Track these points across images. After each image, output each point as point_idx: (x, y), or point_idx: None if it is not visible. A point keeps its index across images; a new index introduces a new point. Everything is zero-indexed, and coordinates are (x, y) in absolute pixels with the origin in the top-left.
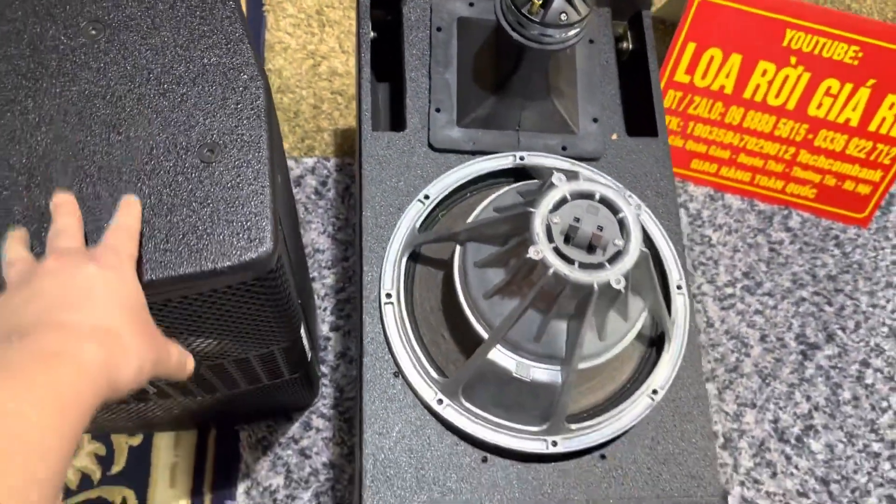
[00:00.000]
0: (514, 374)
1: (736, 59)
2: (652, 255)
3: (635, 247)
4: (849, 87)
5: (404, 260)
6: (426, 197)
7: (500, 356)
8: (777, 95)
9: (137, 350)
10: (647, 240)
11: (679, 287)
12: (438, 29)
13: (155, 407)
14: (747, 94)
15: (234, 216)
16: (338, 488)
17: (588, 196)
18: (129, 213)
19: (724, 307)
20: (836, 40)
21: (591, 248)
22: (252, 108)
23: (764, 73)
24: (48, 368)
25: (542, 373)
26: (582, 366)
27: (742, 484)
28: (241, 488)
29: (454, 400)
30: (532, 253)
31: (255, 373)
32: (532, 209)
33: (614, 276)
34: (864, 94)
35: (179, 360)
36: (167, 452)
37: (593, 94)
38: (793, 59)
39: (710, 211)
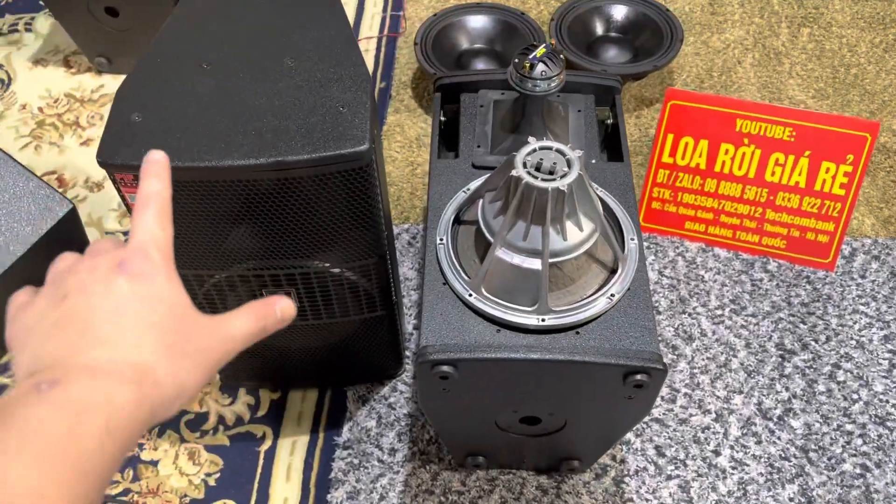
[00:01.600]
0: (512, 263)
1: (704, 144)
2: (612, 221)
3: (574, 171)
4: (791, 157)
5: (451, 221)
6: (467, 189)
7: (503, 253)
8: (739, 168)
9: (175, 379)
10: (609, 211)
11: (632, 238)
12: (481, 106)
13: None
14: (717, 168)
15: (346, 129)
16: (414, 430)
17: (548, 148)
18: (155, 177)
19: (714, 323)
20: (774, 124)
21: (550, 174)
22: (361, 87)
23: (726, 152)
24: (78, 430)
25: (530, 263)
26: (553, 259)
27: (731, 448)
28: (345, 427)
29: (478, 293)
30: (514, 173)
31: (350, 298)
32: (515, 154)
33: (561, 184)
34: (804, 162)
35: (259, 322)
36: (296, 404)
37: (579, 137)
38: (745, 140)
39: (702, 259)
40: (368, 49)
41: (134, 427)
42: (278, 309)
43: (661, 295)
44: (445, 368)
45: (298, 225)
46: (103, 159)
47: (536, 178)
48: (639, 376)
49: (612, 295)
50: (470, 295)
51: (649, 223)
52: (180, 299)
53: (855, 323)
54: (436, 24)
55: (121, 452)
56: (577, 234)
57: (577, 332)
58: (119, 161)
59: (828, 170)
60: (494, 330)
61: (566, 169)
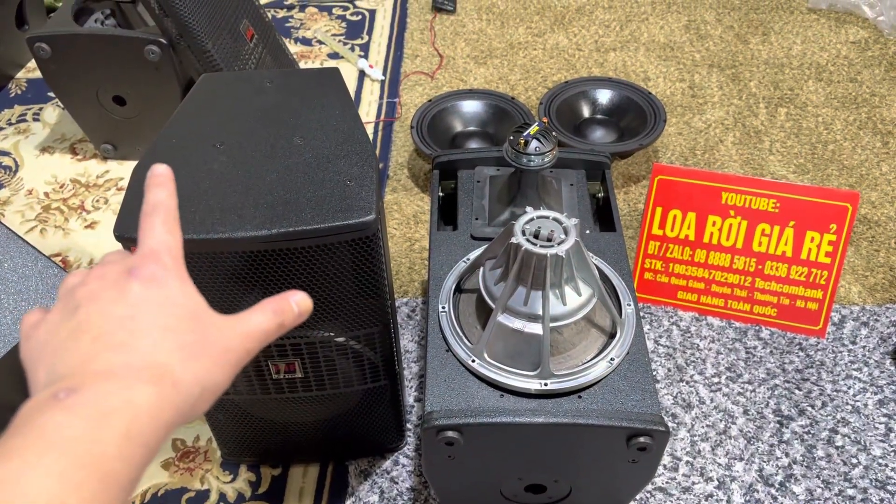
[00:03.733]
0: (513, 328)
1: (692, 216)
2: (608, 287)
3: (571, 238)
4: (777, 228)
5: (452, 289)
6: (467, 259)
7: (504, 318)
8: (727, 238)
9: (195, 378)
10: (605, 277)
11: (629, 304)
12: (478, 181)
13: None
14: (706, 239)
15: (353, 200)
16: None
17: (546, 217)
18: (160, 187)
19: (712, 390)
20: (758, 196)
21: (548, 241)
22: (367, 162)
23: (714, 223)
24: (98, 435)
25: (531, 327)
26: (553, 324)
27: None
28: (347, 503)
29: (480, 358)
30: (513, 240)
31: (354, 368)
32: (514, 222)
33: (559, 250)
34: (789, 232)
35: (276, 317)
36: (297, 479)
37: (572, 209)
38: (732, 212)
39: (696, 328)
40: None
41: (156, 430)
42: (294, 302)
43: (657, 363)
44: (451, 434)
45: (306, 292)
46: (120, 233)
47: (535, 244)
48: (642, 439)
49: (612, 359)
50: (473, 361)
51: (643, 293)
52: (194, 300)
53: (849, 388)
54: (431, 108)
55: (143, 458)
56: (576, 298)
57: (580, 396)
58: (136, 235)
59: (812, 239)
60: (498, 395)
61: (563, 236)
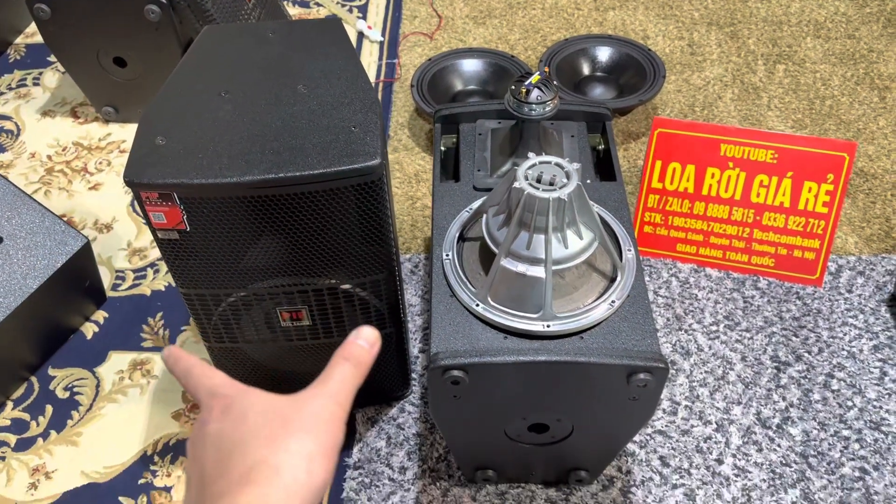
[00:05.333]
0: (516, 272)
1: (691, 169)
2: (609, 233)
3: (573, 182)
4: (775, 179)
5: (455, 238)
6: (469, 209)
7: (508, 262)
8: (726, 190)
9: (289, 461)
10: (606, 225)
11: (629, 250)
12: (479, 134)
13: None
14: (704, 192)
15: (358, 146)
16: (423, 449)
17: (548, 162)
18: (177, 362)
19: (710, 338)
20: (757, 147)
21: (550, 185)
22: (371, 108)
23: (712, 175)
24: None
25: (533, 271)
26: (555, 267)
27: (734, 456)
28: (356, 449)
29: (485, 302)
30: (516, 185)
31: (360, 315)
32: (516, 168)
33: (561, 193)
34: (787, 183)
35: (351, 361)
36: None
37: (573, 159)
38: (730, 164)
39: (695, 279)
40: None
41: None
42: (361, 341)
43: (657, 314)
44: (456, 373)
45: (313, 240)
46: (130, 178)
47: (538, 188)
48: (642, 375)
49: (613, 301)
50: (477, 305)
51: (643, 246)
52: (267, 402)
53: (845, 335)
54: (430, 68)
55: None
56: (578, 242)
57: (581, 337)
58: (145, 180)
59: (810, 189)
60: (502, 337)
61: (565, 180)
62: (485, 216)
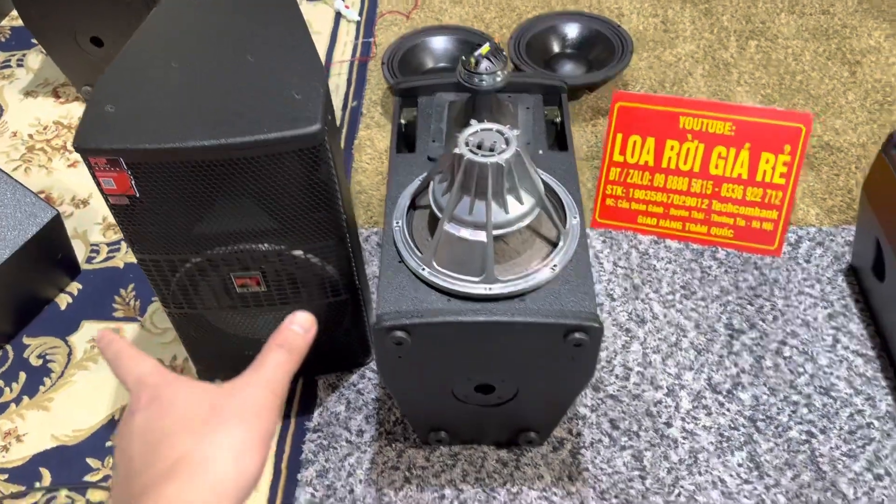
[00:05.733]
0: (459, 236)
1: (651, 141)
2: (556, 201)
3: (512, 148)
4: (733, 150)
5: (406, 207)
6: (421, 178)
7: (451, 227)
8: (685, 162)
9: (218, 451)
10: (553, 193)
11: (575, 217)
12: (437, 107)
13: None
14: (664, 164)
15: (300, 112)
16: (381, 413)
17: (489, 129)
18: (109, 345)
19: (666, 307)
20: (715, 119)
21: (490, 151)
22: (315, 76)
23: (672, 148)
24: None
25: (476, 235)
26: (497, 231)
27: (683, 419)
28: (315, 413)
29: (430, 267)
30: (456, 151)
31: (314, 282)
32: (458, 135)
33: (499, 158)
34: (745, 154)
35: (283, 347)
36: None
37: (527, 131)
38: (689, 136)
39: (655, 250)
40: (341, 73)
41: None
42: (295, 326)
43: (615, 284)
44: (399, 334)
45: (261, 206)
46: (78, 144)
47: (477, 154)
48: (577, 334)
49: (555, 266)
50: (423, 269)
51: (604, 219)
52: (196, 392)
53: (800, 303)
54: (402, 45)
55: None
56: (519, 207)
57: (523, 299)
58: (92, 146)
59: (767, 160)
60: (446, 300)
61: (504, 146)
62: (431, 183)
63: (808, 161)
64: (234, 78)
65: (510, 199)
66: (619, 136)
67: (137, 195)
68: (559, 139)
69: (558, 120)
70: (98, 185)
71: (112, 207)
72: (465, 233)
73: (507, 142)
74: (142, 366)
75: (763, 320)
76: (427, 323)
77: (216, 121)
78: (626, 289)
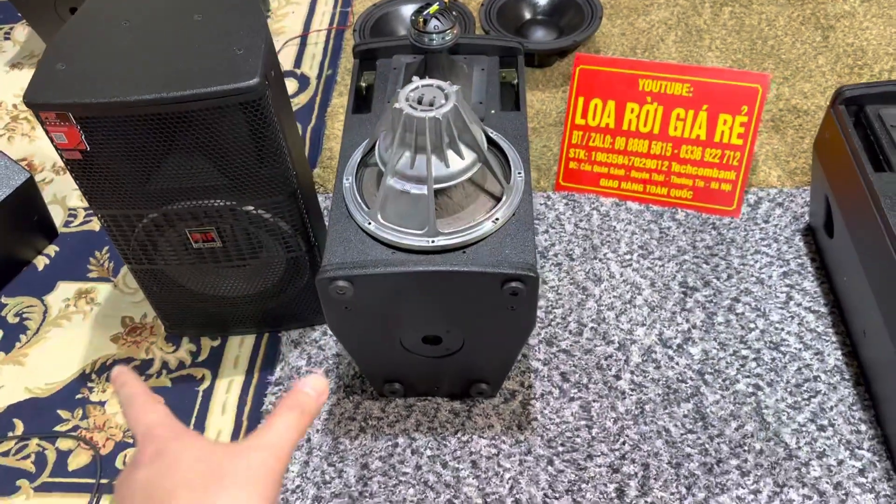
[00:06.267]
0: (402, 191)
1: (611, 104)
2: (502, 158)
3: (450, 103)
4: (691, 112)
5: (357, 164)
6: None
7: (394, 182)
8: (645, 125)
9: None
10: (500, 149)
11: (519, 173)
12: (394, 69)
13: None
14: (625, 127)
15: (241, 67)
16: (340, 368)
17: (430, 85)
18: (124, 385)
19: (623, 266)
20: (673, 81)
21: (429, 106)
22: (258, 33)
23: (632, 110)
24: None
25: (418, 189)
26: (438, 185)
27: (632, 373)
28: (277, 368)
29: (375, 221)
30: (396, 106)
31: (268, 238)
32: (399, 91)
33: (437, 113)
34: (703, 116)
35: (295, 410)
36: (234, 349)
37: (481, 92)
38: (648, 99)
39: (616, 212)
40: (318, 42)
41: None
42: (308, 388)
43: (575, 244)
44: (342, 284)
45: (210, 160)
46: (28, 100)
47: (416, 109)
48: (514, 283)
49: (497, 219)
50: (369, 224)
51: (568, 182)
52: (202, 449)
53: (756, 262)
54: (374, 13)
55: None
56: (459, 162)
57: (464, 252)
58: (41, 101)
59: (725, 121)
60: (390, 252)
61: (443, 101)
62: (378, 140)
63: (773, 124)
64: (182, 36)
65: (450, 154)
66: (581, 99)
67: (89, 149)
68: (516, 100)
69: (516, 82)
70: (51, 140)
71: (67, 163)
72: (408, 187)
73: (447, 97)
74: (151, 415)
75: (718, 278)
76: (369, 274)
77: (162, 76)
78: (585, 249)
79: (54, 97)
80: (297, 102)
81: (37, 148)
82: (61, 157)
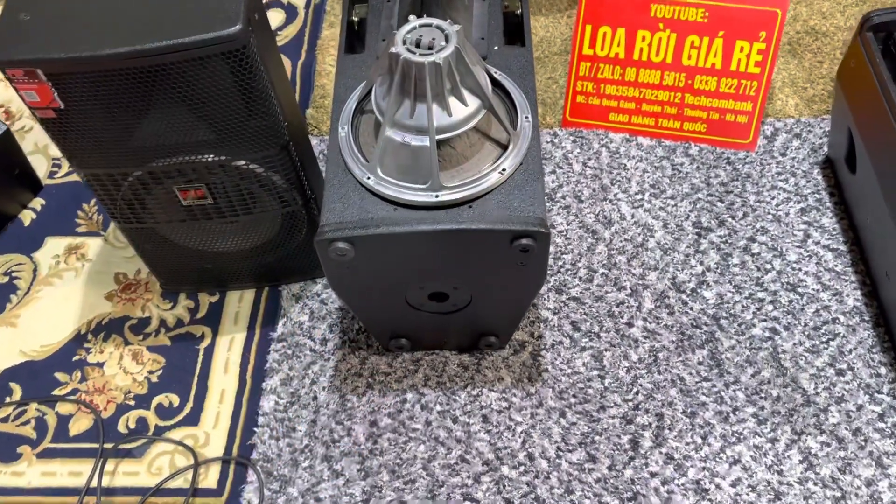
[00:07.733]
0: (402, 142)
1: (621, 32)
2: (509, 101)
3: (451, 45)
4: (706, 39)
5: (353, 111)
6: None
7: (393, 133)
8: (657, 54)
9: None
10: (505, 91)
11: (526, 117)
12: (388, 2)
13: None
14: (636, 56)
15: (220, 14)
16: (344, 322)
17: (428, 25)
18: None
19: (634, 207)
20: (688, 6)
21: (428, 49)
22: None
23: (643, 38)
24: None
25: (419, 140)
26: (440, 136)
27: (644, 319)
28: (280, 323)
29: (374, 175)
30: (393, 50)
31: (262, 193)
32: (395, 32)
33: (437, 57)
34: (718, 43)
35: None
36: (233, 305)
37: (482, 26)
38: (661, 25)
39: (626, 148)
40: None
41: None
42: None
43: (584, 185)
44: (342, 245)
45: (197, 116)
46: None
47: (414, 53)
48: (524, 240)
49: (504, 170)
50: (368, 178)
51: (575, 117)
52: None
53: (773, 199)
54: None
55: None
56: (462, 109)
57: (470, 206)
58: (7, 57)
59: (742, 49)
60: (392, 209)
61: (444, 43)
62: (374, 86)
63: (790, 48)
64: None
65: (453, 101)
66: (589, 27)
67: (63, 107)
68: (520, 33)
69: (519, 12)
70: (21, 98)
71: (42, 122)
72: (408, 138)
73: (447, 38)
74: None
75: (733, 217)
76: (370, 235)
77: (135, 27)
78: (594, 189)
79: (19, 53)
80: (285, 36)
81: (13, 94)
82: (34, 115)
